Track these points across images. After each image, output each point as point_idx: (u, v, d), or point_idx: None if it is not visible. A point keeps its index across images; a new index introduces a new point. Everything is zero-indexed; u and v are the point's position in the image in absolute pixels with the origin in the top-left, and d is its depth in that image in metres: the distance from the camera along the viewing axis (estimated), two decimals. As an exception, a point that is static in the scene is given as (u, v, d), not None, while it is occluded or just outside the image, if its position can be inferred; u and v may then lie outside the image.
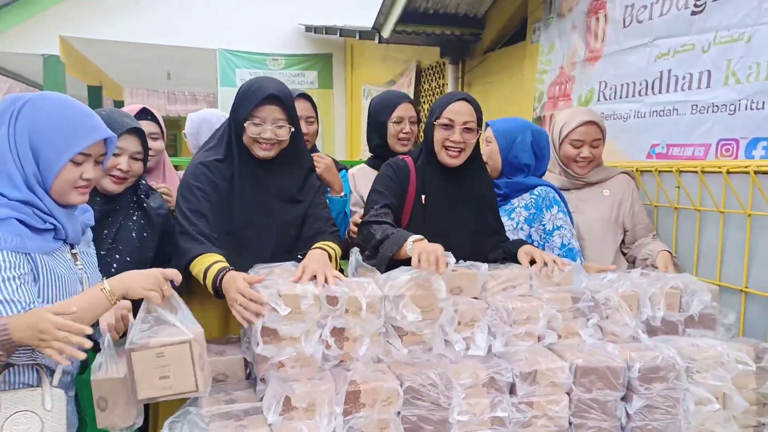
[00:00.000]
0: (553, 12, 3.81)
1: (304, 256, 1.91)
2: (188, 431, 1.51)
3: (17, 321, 1.37)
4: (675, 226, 2.61)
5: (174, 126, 11.21)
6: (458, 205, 2.17)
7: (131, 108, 2.54)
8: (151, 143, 2.50)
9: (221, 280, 1.76)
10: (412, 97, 5.88)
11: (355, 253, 2.03)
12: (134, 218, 2.11)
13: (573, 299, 1.93)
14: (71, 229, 1.60)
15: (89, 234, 1.79)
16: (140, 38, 7.25)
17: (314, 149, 2.75)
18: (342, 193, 2.44)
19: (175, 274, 1.57)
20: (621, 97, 3.16)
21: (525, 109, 4.13)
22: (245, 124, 2.00)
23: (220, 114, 3.00)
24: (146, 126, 2.49)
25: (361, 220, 2.13)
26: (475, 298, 1.91)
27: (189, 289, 2.00)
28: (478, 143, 2.24)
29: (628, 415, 1.80)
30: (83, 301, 1.49)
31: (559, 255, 2.24)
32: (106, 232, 2.04)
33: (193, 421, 1.53)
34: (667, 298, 2.02)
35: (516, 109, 4.26)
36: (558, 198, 2.42)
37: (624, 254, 2.61)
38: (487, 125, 2.54)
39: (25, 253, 1.48)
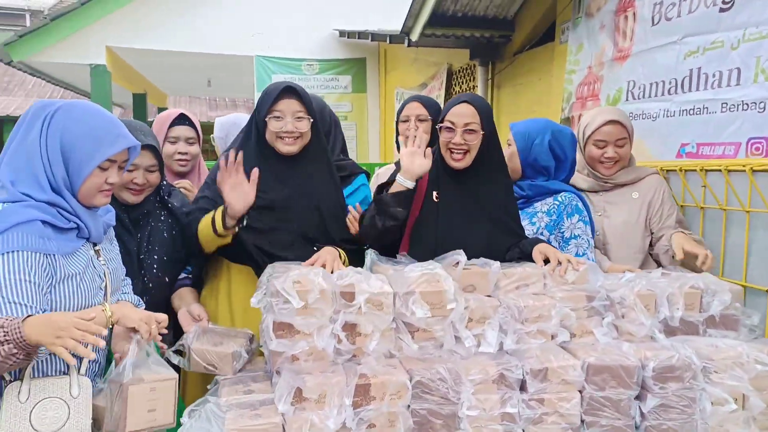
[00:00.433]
0: (582, 12, 3.79)
1: (319, 248, 2.02)
2: (206, 419, 1.58)
3: (32, 320, 1.44)
4: (701, 227, 2.56)
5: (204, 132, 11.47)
6: (470, 206, 2.18)
7: (170, 113, 2.65)
8: (187, 147, 2.62)
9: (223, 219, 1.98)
10: (442, 99, 5.91)
11: (370, 253, 2.08)
12: (162, 218, 2.22)
13: (588, 298, 1.93)
14: (94, 228, 1.69)
15: (111, 232, 1.89)
16: (182, 47, 7.48)
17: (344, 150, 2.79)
18: None
19: (164, 319, 1.69)
20: (650, 96, 3.12)
21: (554, 110, 4.11)
22: (266, 119, 2.08)
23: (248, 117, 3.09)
24: (183, 131, 2.61)
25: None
26: (489, 296, 1.93)
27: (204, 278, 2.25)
28: (497, 144, 2.25)
29: (642, 414, 1.79)
30: (84, 314, 1.56)
31: None
32: (139, 236, 2.15)
33: (212, 410, 1.61)
34: (687, 298, 1.99)
35: (545, 110, 4.24)
36: (581, 206, 2.39)
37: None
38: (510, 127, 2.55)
39: (45, 255, 1.55)
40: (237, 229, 2.05)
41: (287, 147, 2.11)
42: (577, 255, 2.29)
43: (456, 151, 2.16)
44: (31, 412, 1.54)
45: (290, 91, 2.09)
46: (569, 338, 1.90)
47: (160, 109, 11.78)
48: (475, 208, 2.20)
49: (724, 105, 2.67)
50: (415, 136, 2.14)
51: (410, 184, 2.09)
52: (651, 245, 2.54)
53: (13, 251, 1.49)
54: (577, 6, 3.84)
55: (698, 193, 2.58)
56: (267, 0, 7.56)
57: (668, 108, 2.96)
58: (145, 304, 2.09)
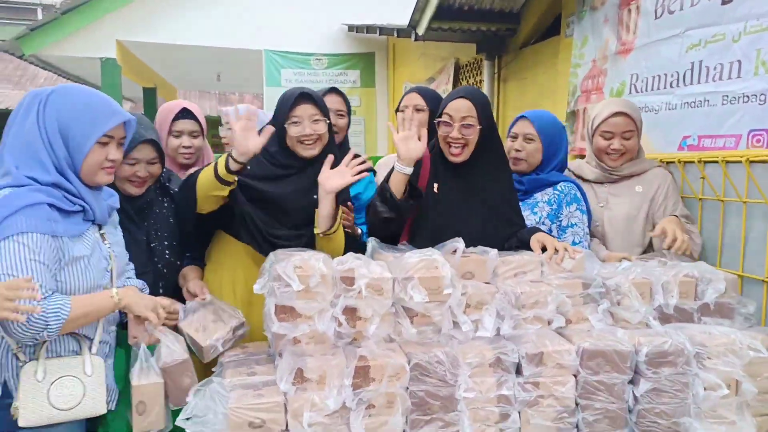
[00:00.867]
0: (587, 5, 3.80)
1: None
2: (211, 398, 1.64)
3: None
4: (699, 218, 2.59)
5: (213, 127, 11.58)
6: (469, 198, 2.23)
7: (172, 106, 2.71)
8: (191, 141, 2.68)
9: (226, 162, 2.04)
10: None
11: (371, 240, 2.13)
12: (165, 205, 2.30)
13: (584, 285, 1.97)
14: (98, 209, 1.76)
15: (116, 216, 1.95)
16: (192, 41, 7.53)
17: (345, 143, 2.85)
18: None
19: (168, 304, 1.86)
20: (652, 90, 3.13)
21: (559, 104, 4.13)
22: (286, 126, 2.16)
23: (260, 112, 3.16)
24: (187, 125, 2.66)
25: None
26: (487, 283, 1.98)
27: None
28: (496, 137, 2.30)
29: (635, 398, 1.83)
30: (90, 300, 1.67)
31: None
32: (146, 224, 2.22)
33: (216, 390, 1.66)
34: (682, 287, 2.03)
35: (550, 104, 4.27)
36: (579, 196, 2.45)
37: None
38: (518, 119, 2.56)
39: (54, 237, 1.61)
40: (236, 180, 2.10)
41: (308, 151, 2.20)
42: (573, 243, 2.34)
43: (454, 145, 2.20)
44: (49, 390, 1.62)
45: (305, 96, 2.18)
46: (565, 324, 1.95)
47: (170, 104, 11.88)
48: (474, 200, 2.25)
49: (725, 97, 2.68)
50: (408, 123, 2.18)
51: (408, 170, 2.13)
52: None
53: (22, 233, 1.55)
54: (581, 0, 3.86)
55: (697, 185, 2.60)
56: (277, -6, 7.61)
57: (670, 101, 2.98)
58: (162, 289, 2.17)
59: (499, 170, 2.30)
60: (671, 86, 3.00)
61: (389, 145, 8.38)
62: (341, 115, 2.79)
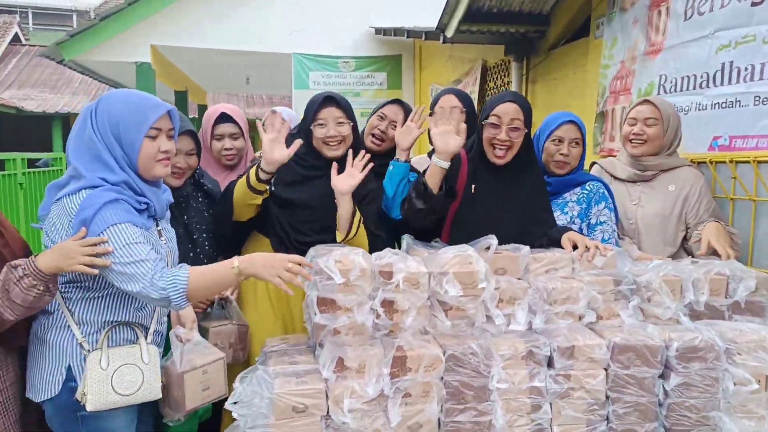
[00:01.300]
0: (616, 7, 3.83)
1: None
2: (256, 383, 1.73)
3: (42, 255, 1.66)
4: (731, 217, 2.61)
5: (252, 128, 11.77)
6: (507, 200, 2.29)
7: (212, 112, 2.82)
8: (232, 143, 2.79)
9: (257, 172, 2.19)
10: (476, 96, 5.99)
11: (406, 237, 2.21)
12: (200, 200, 2.46)
13: (614, 282, 2.02)
14: (158, 205, 1.86)
15: (168, 213, 2.06)
16: (222, 45, 7.70)
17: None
18: (406, 158, 2.50)
19: (301, 259, 1.75)
20: (681, 90, 3.15)
21: (588, 105, 4.16)
22: (312, 128, 2.30)
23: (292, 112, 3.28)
24: (227, 128, 2.78)
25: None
26: (519, 279, 2.03)
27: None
28: (530, 141, 2.35)
29: (665, 392, 1.87)
30: (211, 273, 1.73)
31: None
32: (186, 218, 2.34)
33: (261, 376, 1.76)
34: (713, 284, 2.06)
35: (579, 105, 4.29)
36: (606, 194, 2.49)
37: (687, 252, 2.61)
38: (563, 122, 2.50)
39: (138, 227, 1.73)
40: (268, 188, 2.25)
41: (333, 152, 2.33)
42: (602, 240, 2.38)
43: (499, 147, 2.25)
44: (112, 377, 1.73)
45: (330, 99, 2.33)
46: (596, 320, 1.99)
47: (200, 106, 12.11)
48: (510, 202, 2.30)
49: (757, 98, 2.69)
50: (446, 119, 2.21)
51: (445, 164, 2.17)
52: (686, 239, 2.57)
53: (116, 224, 1.67)
54: (612, 1, 3.88)
55: (728, 185, 2.62)
56: (305, -2, 7.75)
57: (700, 101, 3.00)
58: None
59: (533, 172, 2.35)
60: (701, 87, 3.02)
61: (416, 145, 8.44)
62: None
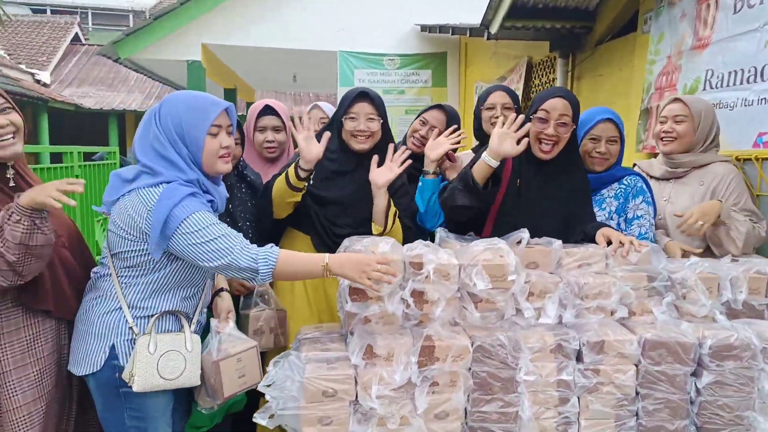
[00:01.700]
0: (665, 1, 3.75)
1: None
2: (288, 368, 1.80)
3: (24, 193, 1.78)
4: (776, 215, 2.53)
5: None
6: (550, 195, 2.29)
7: (257, 105, 2.91)
8: (274, 135, 2.88)
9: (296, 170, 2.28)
10: (520, 92, 5.94)
11: (440, 230, 2.24)
12: (243, 189, 2.56)
13: (649, 278, 2.00)
14: (220, 202, 1.97)
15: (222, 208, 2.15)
16: (270, 44, 7.86)
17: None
18: (434, 169, 2.55)
19: (386, 258, 1.82)
20: (728, 86, 3.07)
21: (633, 102, 4.08)
22: (343, 120, 2.37)
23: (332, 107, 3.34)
24: (270, 120, 2.87)
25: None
26: (551, 273, 2.04)
27: None
28: (575, 138, 2.35)
29: (697, 390, 1.85)
30: (300, 261, 1.84)
31: None
32: (230, 205, 2.44)
33: (293, 361, 1.82)
34: (752, 283, 2.02)
35: (624, 102, 4.22)
36: (645, 188, 2.46)
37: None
38: (600, 120, 2.49)
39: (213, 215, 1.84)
40: (306, 184, 2.33)
41: (360, 145, 2.40)
42: (639, 234, 2.35)
43: (546, 142, 2.26)
44: (158, 362, 1.83)
45: (364, 95, 2.39)
46: (628, 315, 1.98)
47: (249, 104, 12.40)
48: (554, 197, 2.30)
49: (807, 93, 2.61)
50: (506, 121, 2.23)
51: (495, 163, 2.19)
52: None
53: (196, 211, 1.78)
54: (660, -5, 3.80)
55: (774, 183, 2.55)
56: (351, -4, 7.83)
57: (746, 97, 2.92)
58: None
59: (577, 169, 2.36)
60: (747, 82, 2.93)
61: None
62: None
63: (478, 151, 2.82)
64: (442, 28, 7.44)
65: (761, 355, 1.83)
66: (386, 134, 2.47)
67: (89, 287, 1.98)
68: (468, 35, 6.56)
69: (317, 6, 7.83)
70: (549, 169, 2.30)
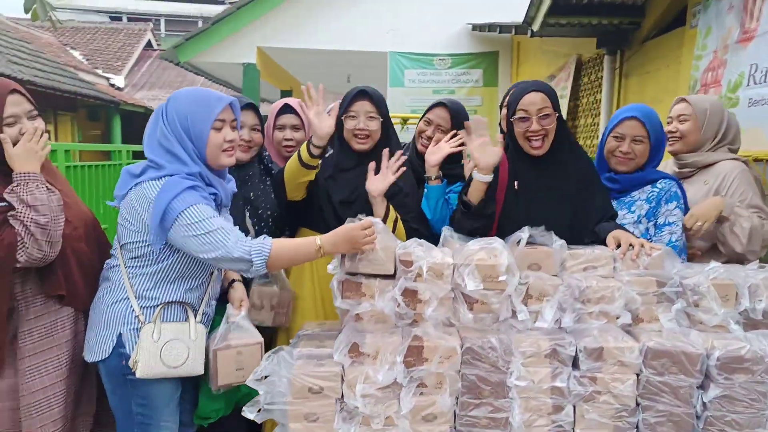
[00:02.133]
0: (713, -7, 3.55)
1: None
2: (277, 363, 1.81)
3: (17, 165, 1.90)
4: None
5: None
6: (550, 193, 2.21)
7: (276, 103, 2.95)
8: (293, 134, 2.91)
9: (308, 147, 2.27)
10: (569, 90, 5.77)
11: (446, 229, 2.20)
12: (267, 182, 2.58)
13: (658, 283, 1.89)
14: (224, 195, 2.02)
15: (230, 202, 2.19)
16: (324, 45, 7.99)
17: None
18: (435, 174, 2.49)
19: (369, 222, 1.90)
20: (775, 81, 2.88)
21: (680, 99, 3.88)
22: (343, 118, 2.37)
23: None
24: (288, 119, 2.89)
25: None
26: (554, 276, 1.96)
27: None
28: (566, 127, 2.26)
29: (704, 404, 1.73)
30: (294, 247, 1.91)
31: None
32: (252, 195, 2.50)
33: (283, 357, 1.83)
34: (775, 291, 1.87)
35: (671, 99, 3.99)
36: (679, 193, 2.33)
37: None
38: (624, 118, 2.40)
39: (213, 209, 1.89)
40: (318, 163, 2.34)
41: (359, 145, 2.40)
42: (669, 242, 2.23)
43: (534, 138, 2.19)
44: (161, 349, 1.90)
45: (364, 93, 2.37)
46: (635, 322, 1.88)
47: (307, 105, 12.61)
48: (555, 193, 2.22)
49: None
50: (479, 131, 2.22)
51: (488, 178, 2.13)
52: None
53: (194, 204, 1.84)
54: (708, -13, 3.60)
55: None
56: (402, -4, 7.83)
57: (792, 93, 2.73)
58: None
59: (576, 159, 2.26)
60: (796, 77, 2.74)
61: (511, 145, 8.24)
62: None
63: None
64: (492, 27, 7.33)
65: (776, 370, 1.69)
66: (387, 133, 2.44)
67: (102, 278, 2.07)
68: (513, 33, 6.43)
69: (368, 7, 7.88)
70: (546, 165, 2.22)
